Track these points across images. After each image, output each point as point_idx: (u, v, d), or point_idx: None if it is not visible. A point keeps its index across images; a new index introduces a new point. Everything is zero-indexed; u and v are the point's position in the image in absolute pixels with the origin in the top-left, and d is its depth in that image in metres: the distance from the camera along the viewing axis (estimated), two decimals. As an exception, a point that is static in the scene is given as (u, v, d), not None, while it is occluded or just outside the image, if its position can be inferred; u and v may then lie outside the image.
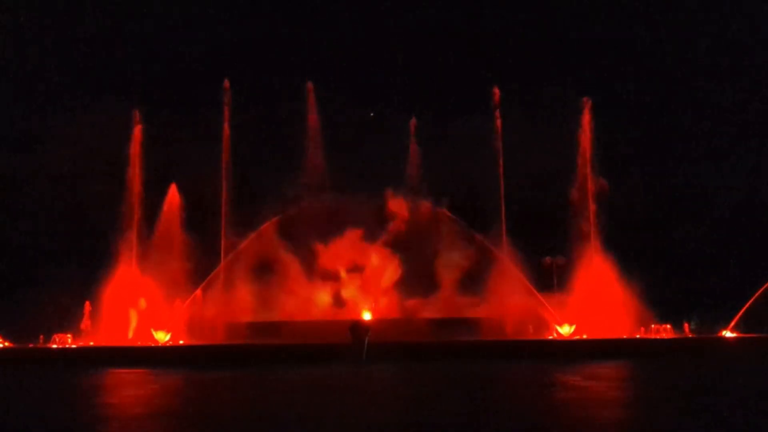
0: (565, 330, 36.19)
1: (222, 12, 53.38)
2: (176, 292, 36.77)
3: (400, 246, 42.30)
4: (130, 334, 35.99)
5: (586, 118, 38.76)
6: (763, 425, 12.78)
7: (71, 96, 46.20)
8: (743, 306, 36.30)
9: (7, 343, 34.14)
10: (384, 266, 42.43)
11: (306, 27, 53.20)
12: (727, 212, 47.19)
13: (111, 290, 36.27)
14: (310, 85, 44.31)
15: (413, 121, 44.31)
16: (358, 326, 30.44)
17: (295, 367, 27.00)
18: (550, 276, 39.33)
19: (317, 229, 42.21)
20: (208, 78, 44.05)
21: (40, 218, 44.82)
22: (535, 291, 37.58)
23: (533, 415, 13.93)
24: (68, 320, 35.04)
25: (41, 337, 34.28)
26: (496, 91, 40.99)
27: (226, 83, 40.68)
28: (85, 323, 34.86)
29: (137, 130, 38.38)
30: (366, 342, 29.04)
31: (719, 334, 35.79)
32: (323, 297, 42.04)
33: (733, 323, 36.10)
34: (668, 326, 35.44)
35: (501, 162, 40.13)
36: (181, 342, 35.40)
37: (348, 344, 29.32)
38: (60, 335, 33.96)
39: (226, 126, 40.13)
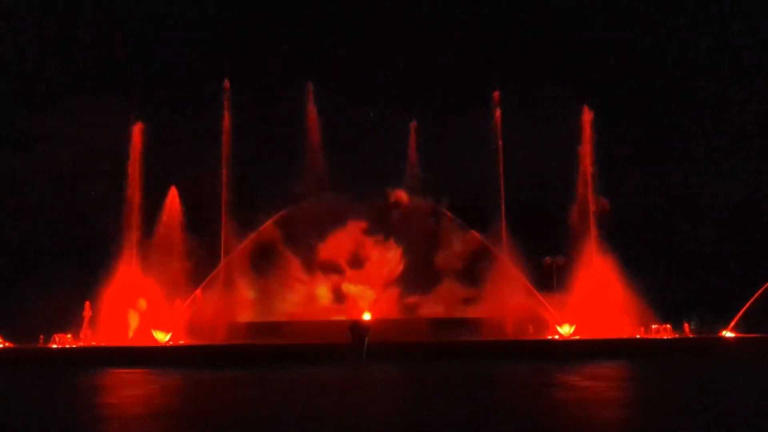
0: (565, 330, 36.20)
1: (222, 12, 53.45)
2: (176, 292, 36.75)
3: (402, 238, 42.42)
4: (131, 334, 35.98)
5: (587, 131, 38.62)
6: (763, 425, 12.77)
7: (71, 96, 46.15)
8: (743, 306, 36.31)
9: (7, 343, 34.14)
10: (386, 258, 42.49)
11: (306, 27, 53.32)
12: (727, 212, 47.17)
13: (111, 290, 36.27)
14: (310, 85, 44.38)
15: (413, 123, 44.39)
16: (358, 326, 30.44)
17: (295, 367, 27.00)
18: (550, 276, 39.34)
19: (317, 229, 42.30)
20: (208, 78, 44.10)
21: (40, 218, 44.82)
22: (535, 291, 37.59)
23: (533, 415, 13.93)
24: (68, 320, 35.03)
25: (41, 337, 34.28)
26: (496, 91, 41.03)
27: (226, 83, 40.66)
28: (85, 332, 34.85)
29: (137, 130, 38.35)
30: (366, 342, 29.05)
31: (719, 334, 35.78)
32: (324, 291, 42.09)
33: (733, 323, 36.10)
34: (668, 326, 35.45)
35: (501, 162, 40.16)
36: (181, 342, 35.38)
37: (348, 344, 29.33)
38: (60, 335, 33.95)
39: (226, 126, 40.13)
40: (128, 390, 20.16)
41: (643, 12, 54.23)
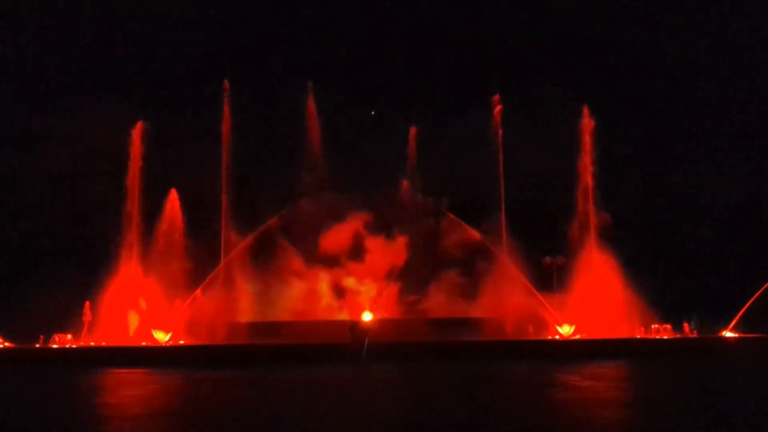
0: (565, 330, 36.20)
1: (222, 12, 53.49)
2: (176, 292, 36.76)
3: (403, 232, 42.43)
4: (131, 334, 35.99)
5: (587, 136, 38.60)
6: (763, 425, 12.77)
7: (71, 96, 46.21)
8: (743, 306, 36.30)
9: (7, 343, 34.14)
10: (387, 251, 42.46)
11: (306, 27, 53.36)
12: (727, 212, 47.18)
13: (111, 290, 36.27)
14: (310, 85, 44.38)
15: (413, 129, 44.38)
16: (357, 326, 30.48)
17: (295, 367, 27.00)
18: (550, 276, 39.34)
19: (317, 229, 42.30)
20: (208, 78, 44.15)
21: (40, 218, 44.83)
22: (535, 291, 37.58)
23: (533, 415, 13.93)
24: (68, 320, 35.03)
25: (41, 337, 34.28)
26: (496, 91, 41.05)
27: (226, 83, 40.66)
28: (85, 335, 34.86)
29: (137, 130, 38.35)
30: (366, 342, 29.06)
31: (719, 334, 35.78)
32: (324, 288, 42.06)
33: (733, 323, 36.09)
34: (668, 326, 35.43)
35: (501, 162, 40.16)
36: (181, 342, 35.38)
37: (348, 344, 29.34)
38: (60, 335, 33.96)
39: (226, 126, 40.13)
40: (128, 390, 20.16)
41: (643, 12, 54.32)
